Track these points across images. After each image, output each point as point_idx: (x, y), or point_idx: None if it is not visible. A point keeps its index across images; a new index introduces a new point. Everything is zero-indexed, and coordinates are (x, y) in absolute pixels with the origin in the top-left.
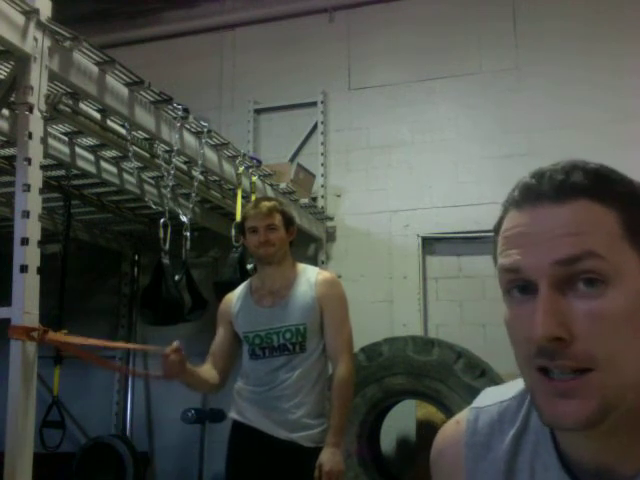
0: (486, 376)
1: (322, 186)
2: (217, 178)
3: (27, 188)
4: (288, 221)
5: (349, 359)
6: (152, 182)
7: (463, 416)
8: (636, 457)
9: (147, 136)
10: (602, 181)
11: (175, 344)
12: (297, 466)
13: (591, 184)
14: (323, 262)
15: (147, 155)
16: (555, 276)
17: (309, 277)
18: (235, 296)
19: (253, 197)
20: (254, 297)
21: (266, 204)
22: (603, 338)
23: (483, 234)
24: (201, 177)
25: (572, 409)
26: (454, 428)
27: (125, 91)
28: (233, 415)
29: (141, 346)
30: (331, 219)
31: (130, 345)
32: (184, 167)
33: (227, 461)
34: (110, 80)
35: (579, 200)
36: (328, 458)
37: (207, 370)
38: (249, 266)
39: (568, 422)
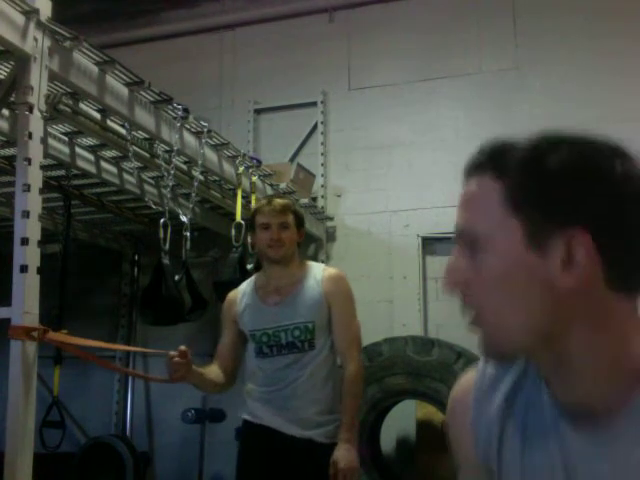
0: None
1: (322, 186)
2: (217, 178)
3: (27, 188)
4: (299, 222)
5: (358, 355)
6: (152, 182)
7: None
8: (608, 394)
9: (147, 136)
10: (495, 156)
11: (182, 348)
12: (312, 462)
13: (485, 161)
14: (323, 262)
15: (147, 155)
16: (460, 241)
17: (315, 274)
18: (239, 294)
19: (253, 197)
20: (259, 295)
21: (280, 202)
22: (484, 295)
23: None
24: (201, 177)
25: (480, 345)
26: (467, 376)
27: (125, 91)
28: (244, 416)
29: (144, 349)
30: (331, 219)
31: (131, 347)
32: (184, 167)
33: (239, 461)
34: (110, 80)
35: (475, 177)
36: (343, 455)
37: (213, 370)
38: (249, 266)
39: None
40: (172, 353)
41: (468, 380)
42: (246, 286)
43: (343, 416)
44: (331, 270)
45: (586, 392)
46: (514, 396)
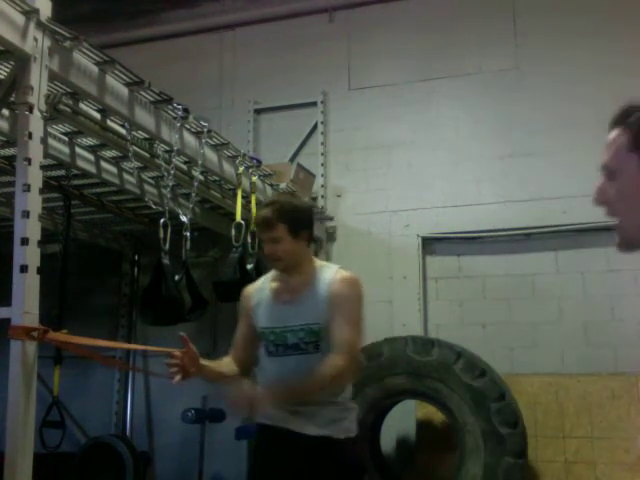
0: (486, 376)
1: (322, 186)
2: (217, 178)
3: (27, 188)
4: (295, 227)
5: (345, 360)
6: (152, 182)
7: None
8: None
9: (147, 136)
10: (624, 115)
11: (183, 350)
12: (330, 458)
13: (619, 118)
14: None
15: (147, 155)
16: (603, 172)
17: (327, 276)
18: (254, 289)
19: (253, 197)
20: (273, 292)
21: (263, 214)
22: (617, 206)
23: (483, 234)
24: (201, 177)
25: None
26: None
27: (125, 91)
28: (258, 419)
29: (144, 346)
30: (331, 219)
31: (133, 346)
32: (184, 167)
33: (254, 465)
34: (110, 80)
35: (613, 129)
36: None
37: (226, 364)
38: (249, 266)
39: None
40: (176, 354)
41: None
42: (262, 281)
43: (282, 389)
44: (344, 273)
45: None
46: None
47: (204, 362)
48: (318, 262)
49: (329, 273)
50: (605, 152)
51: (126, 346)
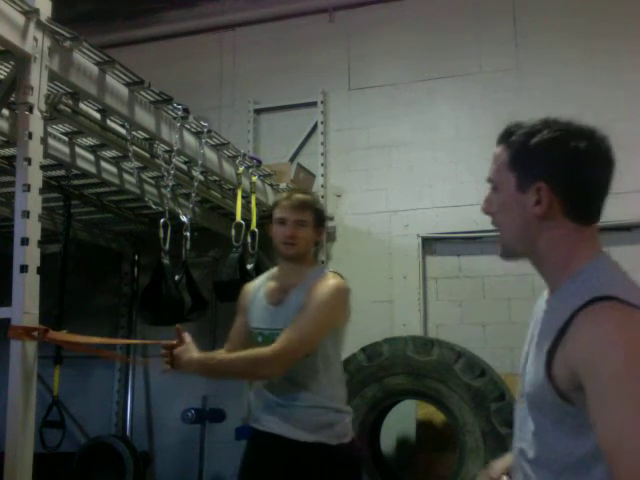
0: (486, 376)
1: (322, 186)
2: (217, 178)
3: (27, 188)
4: (319, 220)
5: (277, 351)
6: (152, 182)
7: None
8: (559, 280)
9: (147, 136)
10: (507, 133)
11: (187, 337)
12: (320, 466)
13: (502, 136)
14: (323, 262)
15: (147, 155)
16: (490, 185)
17: (311, 280)
18: (253, 287)
19: (253, 197)
20: (267, 291)
21: (300, 197)
22: (498, 216)
23: (483, 234)
24: (201, 177)
25: (498, 247)
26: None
27: (125, 91)
28: (251, 423)
29: (142, 340)
30: (331, 219)
31: (131, 340)
32: (184, 167)
33: (240, 469)
34: (110, 80)
35: (498, 145)
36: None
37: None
38: (249, 266)
39: None
40: (166, 344)
41: None
42: (260, 280)
43: (216, 358)
44: (328, 278)
45: (553, 279)
46: None
47: (199, 354)
48: (315, 265)
49: (315, 277)
50: (491, 165)
51: (125, 341)
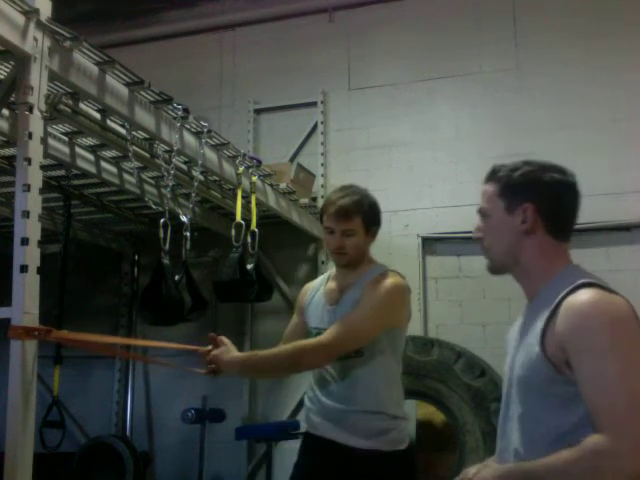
0: (486, 376)
1: (322, 186)
2: (217, 178)
3: (27, 188)
4: (370, 223)
5: (329, 341)
6: (152, 182)
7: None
8: (539, 287)
9: (147, 136)
10: (494, 172)
11: (224, 340)
12: (375, 473)
13: (490, 174)
14: (323, 262)
15: (147, 155)
16: (480, 214)
17: (368, 277)
18: (312, 286)
19: (253, 197)
20: (326, 291)
21: (346, 205)
22: (488, 238)
23: None
24: (201, 177)
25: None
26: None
27: (125, 91)
28: (305, 426)
29: (176, 345)
30: None
31: (165, 344)
32: (184, 167)
33: (294, 474)
34: (110, 80)
35: (487, 182)
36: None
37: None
38: (249, 266)
39: None
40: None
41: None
42: (320, 280)
43: (259, 353)
44: (385, 277)
45: (533, 288)
46: None
47: (241, 354)
48: (374, 261)
49: (372, 274)
50: (481, 199)
51: (150, 343)
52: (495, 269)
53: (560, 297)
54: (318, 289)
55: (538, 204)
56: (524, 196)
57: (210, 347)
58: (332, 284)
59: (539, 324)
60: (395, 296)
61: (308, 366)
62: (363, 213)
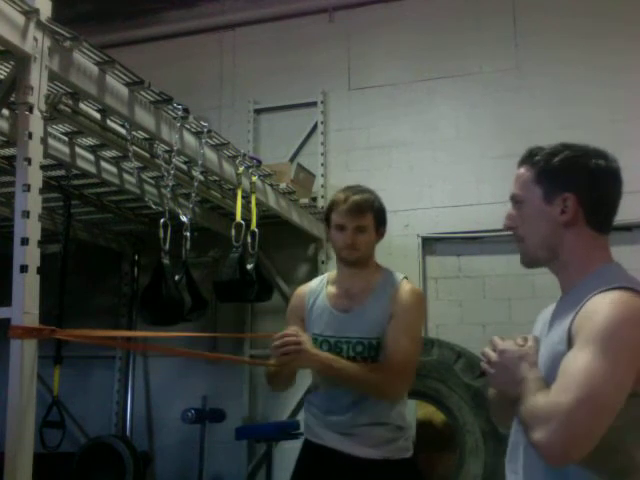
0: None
1: (322, 186)
2: (217, 178)
3: (27, 188)
4: (380, 221)
5: (398, 373)
6: (152, 182)
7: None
8: (576, 281)
9: (147, 136)
10: (530, 155)
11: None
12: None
13: (526, 157)
14: (323, 262)
15: (147, 155)
16: (512, 201)
17: (391, 285)
18: (308, 291)
19: (253, 197)
20: (329, 296)
21: (358, 200)
22: (522, 228)
23: (483, 234)
24: (201, 177)
25: (521, 257)
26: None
27: (125, 91)
28: (306, 435)
29: (252, 334)
30: None
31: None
32: (184, 167)
33: None
34: (110, 80)
35: (521, 166)
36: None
37: None
38: (249, 266)
39: None
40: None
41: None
42: (317, 284)
43: (344, 362)
44: (408, 285)
45: (570, 281)
46: None
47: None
48: (382, 268)
49: (393, 282)
50: (514, 185)
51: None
52: (529, 262)
53: (590, 296)
54: (318, 293)
55: (580, 194)
56: (564, 184)
57: (289, 331)
58: (334, 288)
59: (566, 322)
60: (423, 308)
61: (392, 398)
62: (375, 210)
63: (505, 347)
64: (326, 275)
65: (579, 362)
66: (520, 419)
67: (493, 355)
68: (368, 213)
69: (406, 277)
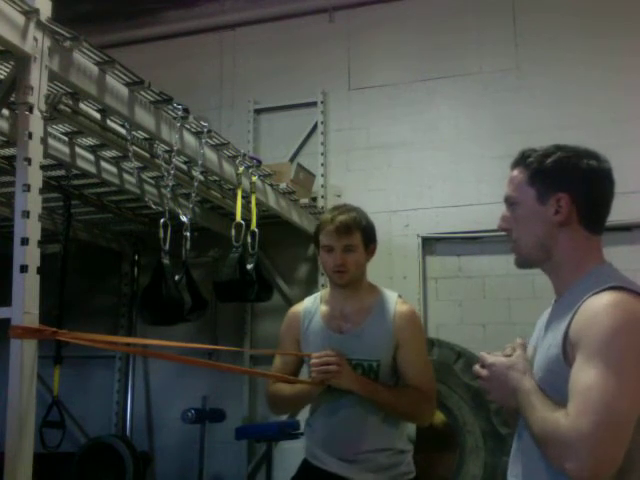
0: None
1: (322, 186)
2: (217, 178)
3: (27, 188)
4: (369, 238)
5: (430, 399)
6: (152, 182)
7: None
8: (570, 283)
9: (147, 136)
10: (524, 157)
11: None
12: None
13: (519, 159)
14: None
15: (147, 155)
16: (507, 203)
17: (388, 306)
18: (303, 312)
19: (253, 197)
20: (324, 317)
21: (345, 220)
22: (516, 229)
23: (483, 234)
24: (201, 177)
25: (514, 258)
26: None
27: (125, 91)
28: (306, 455)
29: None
30: None
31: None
32: (184, 167)
33: None
34: (110, 80)
35: (514, 168)
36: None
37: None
38: (249, 266)
39: None
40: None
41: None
42: (311, 304)
43: (387, 385)
44: (405, 305)
45: (563, 283)
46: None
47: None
48: (376, 288)
49: (389, 303)
50: (508, 187)
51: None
52: (523, 263)
53: (585, 298)
54: (313, 313)
55: (573, 194)
56: (558, 185)
57: (328, 352)
58: (328, 308)
59: (562, 326)
60: (422, 327)
61: (425, 420)
62: (362, 228)
63: (493, 361)
64: (319, 294)
65: (587, 380)
66: (534, 436)
67: (483, 371)
68: (355, 232)
69: (400, 295)
